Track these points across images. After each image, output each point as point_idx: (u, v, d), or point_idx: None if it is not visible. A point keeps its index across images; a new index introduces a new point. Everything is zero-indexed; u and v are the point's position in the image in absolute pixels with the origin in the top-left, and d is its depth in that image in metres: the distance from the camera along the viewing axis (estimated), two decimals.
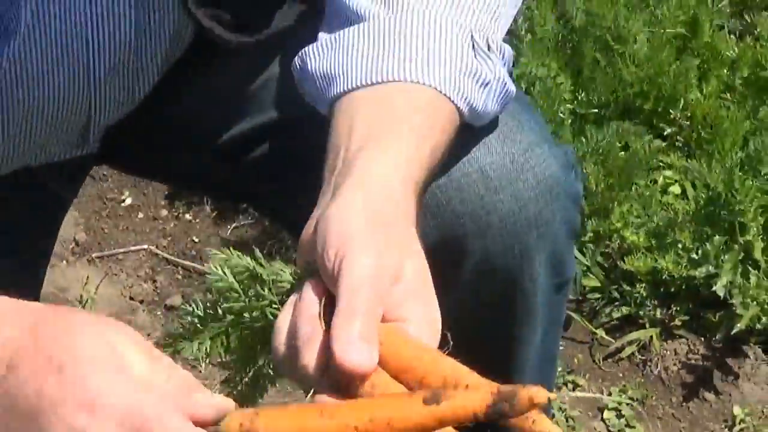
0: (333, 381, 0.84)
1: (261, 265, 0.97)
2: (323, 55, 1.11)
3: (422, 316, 0.88)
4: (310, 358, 0.84)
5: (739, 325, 2.06)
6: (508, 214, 1.18)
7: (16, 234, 1.51)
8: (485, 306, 1.22)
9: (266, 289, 1.50)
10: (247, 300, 1.43)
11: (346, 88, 1.05)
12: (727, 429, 2.14)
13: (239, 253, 1.48)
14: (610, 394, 2.21)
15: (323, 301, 0.87)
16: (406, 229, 0.95)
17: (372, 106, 1.05)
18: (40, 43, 1.21)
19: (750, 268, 2.09)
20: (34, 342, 0.77)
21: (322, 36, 1.13)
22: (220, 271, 1.29)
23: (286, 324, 0.88)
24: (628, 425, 2.16)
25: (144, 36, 1.27)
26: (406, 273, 0.89)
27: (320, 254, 0.88)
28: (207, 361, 1.76)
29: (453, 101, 1.04)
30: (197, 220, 2.41)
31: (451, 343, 0.89)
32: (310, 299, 0.88)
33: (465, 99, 1.05)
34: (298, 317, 0.86)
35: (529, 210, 1.18)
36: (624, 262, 2.14)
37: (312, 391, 0.86)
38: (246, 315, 1.49)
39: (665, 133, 2.34)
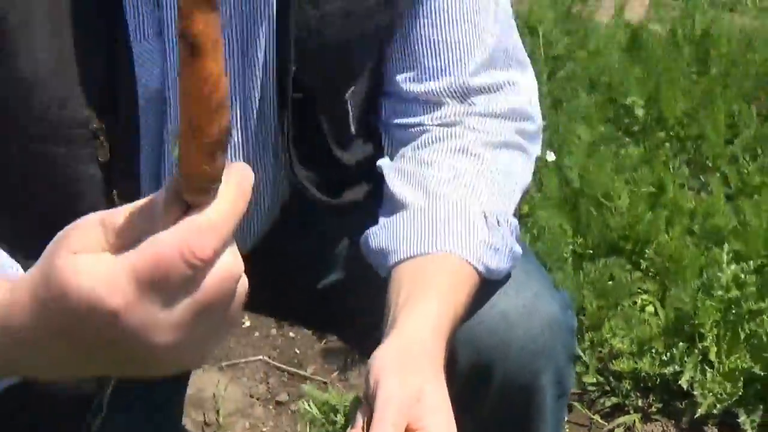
0: None
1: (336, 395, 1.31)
2: (380, 236, 1.33)
3: (440, 426, 1.08)
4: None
5: (700, 410, 2.26)
6: (522, 345, 1.32)
7: None
8: (506, 413, 1.35)
9: (338, 415, 1.88)
10: (325, 424, 1.80)
11: (394, 262, 1.28)
12: None
13: (319, 388, 1.76)
14: None
15: (367, 417, 1.09)
16: (429, 364, 1.15)
17: (412, 274, 1.26)
18: None
19: (707, 368, 2.29)
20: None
21: (381, 219, 1.35)
22: (306, 405, 1.68)
23: None
24: None
25: (259, 199, 1.45)
26: (427, 394, 1.09)
27: (366, 381, 1.12)
28: None
29: (472, 264, 1.26)
30: (299, 337, 2.61)
31: None
32: (359, 417, 1.10)
33: (481, 262, 1.27)
34: (352, 429, 1.10)
35: (538, 342, 1.33)
36: (613, 363, 2.37)
37: None
38: None
39: (642, 267, 2.58)
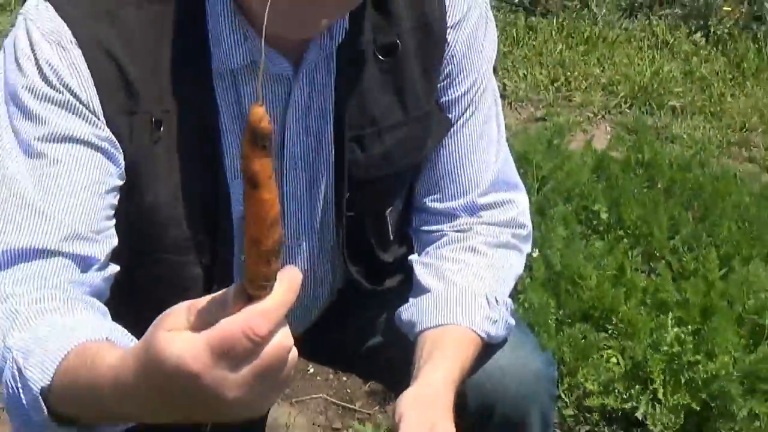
0: None
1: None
2: (409, 311, 1.42)
3: None
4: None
5: None
6: (516, 391, 1.41)
7: None
8: None
9: None
10: None
11: (419, 330, 1.37)
12: None
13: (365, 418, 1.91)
14: None
15: None
16: (441, 406, 1.23)
17: (432, 339, 1.35)
18: None
19: (656, 404, 2.40)
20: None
21: (410, 299, 1.43)
22: None
23: None
24: None
25: (321, 286, 1.53)
26: (438, 427, 1.19)
27: (393, 415, 1.22)
28: None
29: (476, 332, 1.35)
30: (350, 380, 2.72)
31: None
32: None
33: (483, 330, 1.36)
34: None
35: (528, 389, 1.42)
36: (585, 401, 2.50)
37: None
38: None
39: (608, 330, 2.65)
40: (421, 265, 1.46)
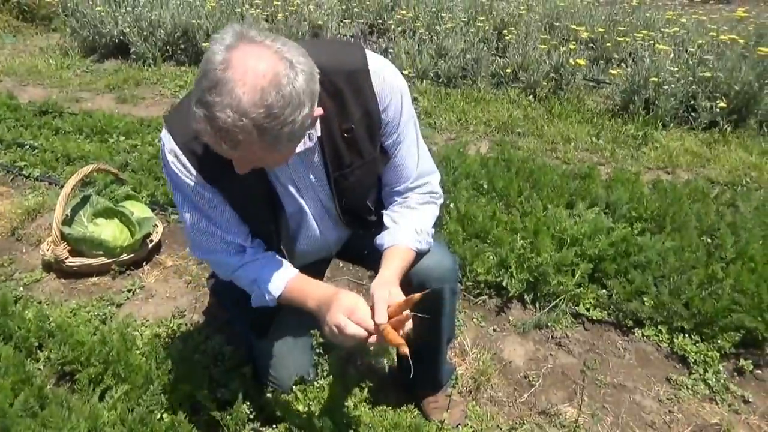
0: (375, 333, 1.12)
1: None
2: (378, 239, 1.38)
3: (398, 299, 1.15)
4: (359, 330, 1.13)
5: (509, 294, 2.32)
6: (438, 275, 1.40)
7: None
8: (431, 304, 1.31)
9: None
10: None
11: (384, 248, 1.35)
12: None
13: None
14: None
15: (370, 308, 1.15)
16: (393, 282, 1.22)
17: (389, 253, 1.33)
18: (309, 238, 1.48)
19: (512, 278, 2.34)
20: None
21: (380, 233, 1.39)
22: None
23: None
24: None
25: (338, 238, 1.55)
26: (392, 292, 1.16)
27: (370, 293, 1.18)
28: None
29: (411, 248, 1.34)
30: (360, 270, 2.55)
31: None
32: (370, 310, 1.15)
33: (415, 246, 1.35)
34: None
35: (444, 274, 1.42)
36: (478, 277, 2.36)
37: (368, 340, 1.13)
38: None
39: (488, 242, 2.52)
40: (385, 216, 1.45)
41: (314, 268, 1.66)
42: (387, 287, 1.18)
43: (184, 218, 1.33)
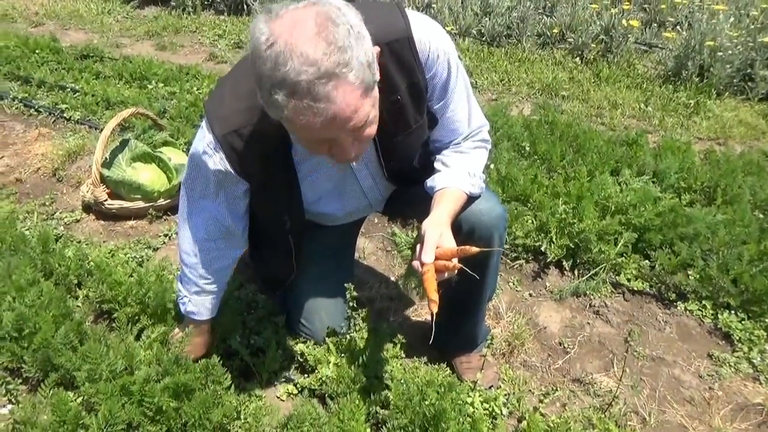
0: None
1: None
2: (429, 182, 1.35)
3: (450, 244, 1.12)
4: (417, 264, 1.11)
5: (548, 259, 2.27)
6: (487, 222, 1.36)
7: (346, 246, 1.82)
8: (479, 257, 1.20)
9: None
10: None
11: (435, 191, 1.32)
12: None
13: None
14: None
15: (419, 247, 1.13)
16: (445, 225, 1.18)
17: (439, 195, 1.30)
18: (351, 195, 1.49)
19: (551, 243, 2.28)
20: None
21: (432, 177, 1.36)
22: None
23: (415, 254, 1.13)
24: None
25: (384, 193, 1.53)
26: (444, 234, 1.13)
27: (420, 231, 1.15)
28: None
29: (464, 191, 1.31)
30: (395, 225, 2.53)
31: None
32: (417, 248, 1.13)
33: (468, 190, 1.31)
34: (416, 251, 1.12)
35: (494, 221, 1.37)
36: (516, 241, 2.34)
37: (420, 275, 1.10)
38: None
39: (528, 206, 2.45)
40: (436, 160, 1.42)
41: (351, 227, 1.72)
42: (439, 228, 1.15)
43: (189, 198, 1.39)
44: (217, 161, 1.25)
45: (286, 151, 1.26)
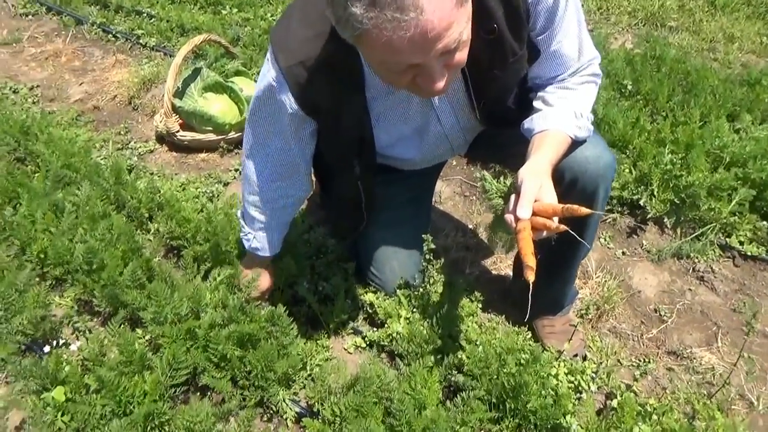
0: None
1: None
2: (527, 123, 1.23)
3: (550, 198, 1.02)
4: (510, 218, 1.01)
5: (648, 216, 2.09)
6: (593, 172, 1.23)
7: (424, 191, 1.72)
8: (583, 200, 1.12)
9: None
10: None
11: (533, 134, 1.21)
12: None
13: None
14: None
15: (514, 197, 1.03)
16: (545, 174, 1.06)
17: (539, 138, 1.19)
18: (433, 138, 1.37)
19: (652, 197, 2.10)
20: None
21: (529, 118, 1.24)
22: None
23: (508, 206, 1.03)
24: None
25: (470, 132, 1.41)
26: (544, 186, 1.03)
27: (516, 180, 1.05)
28: None
29: (568, 134, 1.19)
30: (475, 169, 2.37)
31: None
32: (512, 197, 1.03)
33: (573, 133, 1.19)
34: (510, 203, 1.03)
35: (601, 171, 1.24)
36: (611, 193, 2.43)
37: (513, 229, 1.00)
38: None
39: (626, 153, 2.26)
40: (536, 99, 1.28)
41: (430, 171, 1.61)
42: (538, 178, 1.04)
43: (254, 136, 1.34)
44: (282, 97, 1.18)
45: (358, 87, 1.17)
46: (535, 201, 1.00)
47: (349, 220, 1.55)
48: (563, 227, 0.97)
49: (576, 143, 1.22)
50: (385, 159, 1.40)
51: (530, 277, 0.95)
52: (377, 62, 0.94)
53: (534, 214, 0.99)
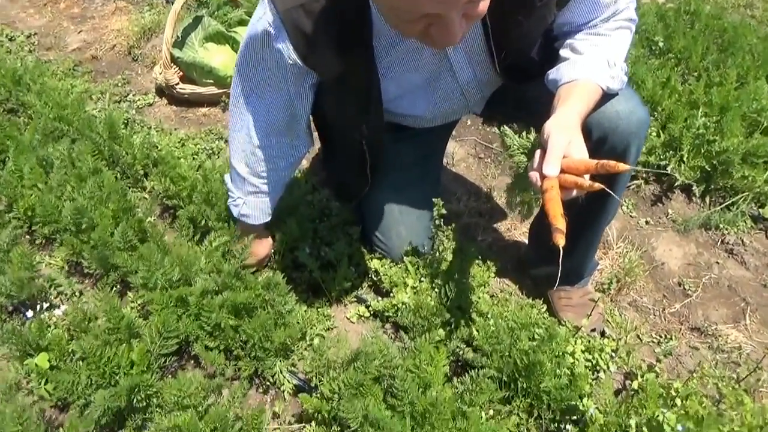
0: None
1: None
2: (553, 74, 1.14)
3: (581, 154, 0.94)
4: (536, 176, 0.95)
5: (676, 183, 2.00)
6: (625, 129, 1.15)
7: (435, 150, 1.65)
8: (612, 157, 1.00)
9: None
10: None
11: (559, 85, 1.12)
12: None
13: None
14: None
15: (541, 152, 0.96)
16: (574, 128, 0.99)
17: (566, 89, 1.09)
18: (445, 93, 1.29)
19: (681, 163, 2.01)
20: None
21: (555, 67, 1.15)
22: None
23: (533, 163, 0.97)
24: None
25: (487, 87, 1.32)
26: (573, 141, 0.95)
27: (542, 135, 0.98)
28: None
29: (599, 85, 1.09)
30: (489, 131, 2.28)
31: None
32: (538, 153, 0.96)
33: (604, 83, 1.09)
34: (535, 160, 0.97)
35: (633, 128, 1.15)
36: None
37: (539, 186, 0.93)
38: None
39: (654, 116, 2.14)
40: (564, 47, 1.18)
41: (441, 130, 1.52)
42: (567, 133, 0.96)
43: (244, 88, 1.24)
44: (279, 46, 1.08)
45: (365, 35, 1.06)
46: (564, 157, 0.93)
47: (352, 184, 1.47)
48: (598, 185, 0.88)
49: (607, 96, 1.12)
50: (391, 116, 1.30)
51: (560, 241, 0.85)
52: (387, 7, 0.86)
53: (562, 171, 0.91)
